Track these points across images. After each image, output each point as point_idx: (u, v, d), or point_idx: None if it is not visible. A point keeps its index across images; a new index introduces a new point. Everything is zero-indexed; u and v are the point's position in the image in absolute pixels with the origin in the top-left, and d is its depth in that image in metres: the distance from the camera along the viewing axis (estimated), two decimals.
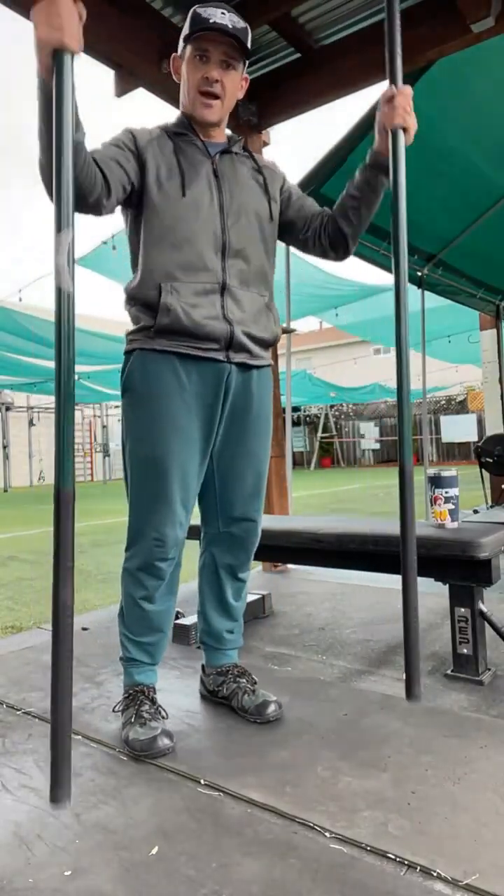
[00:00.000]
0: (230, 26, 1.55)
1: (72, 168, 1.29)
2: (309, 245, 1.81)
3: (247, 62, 1.69)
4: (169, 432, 1.58)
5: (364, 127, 3.57)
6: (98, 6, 2.87)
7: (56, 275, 1.23)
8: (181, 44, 1.64)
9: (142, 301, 1.60)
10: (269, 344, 1.74)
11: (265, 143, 3.83)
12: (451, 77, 3.38)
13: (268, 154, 4.00)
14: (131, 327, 1.66)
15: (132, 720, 1.58)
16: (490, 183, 4.40)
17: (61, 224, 1.25)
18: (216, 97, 1.62)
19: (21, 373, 12.60)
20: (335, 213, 1.74)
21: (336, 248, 1.79)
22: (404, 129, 1.64)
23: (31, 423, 18.95)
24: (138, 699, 1.63)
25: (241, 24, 1.58)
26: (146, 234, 1.60)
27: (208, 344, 1.59)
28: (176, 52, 1.69)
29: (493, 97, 3.59)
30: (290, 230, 1.81)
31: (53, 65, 1.26)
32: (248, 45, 1.62)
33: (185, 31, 1.60)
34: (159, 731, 1.53)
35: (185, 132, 1.66)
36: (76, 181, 1.38)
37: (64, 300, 1.25)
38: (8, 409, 18.18)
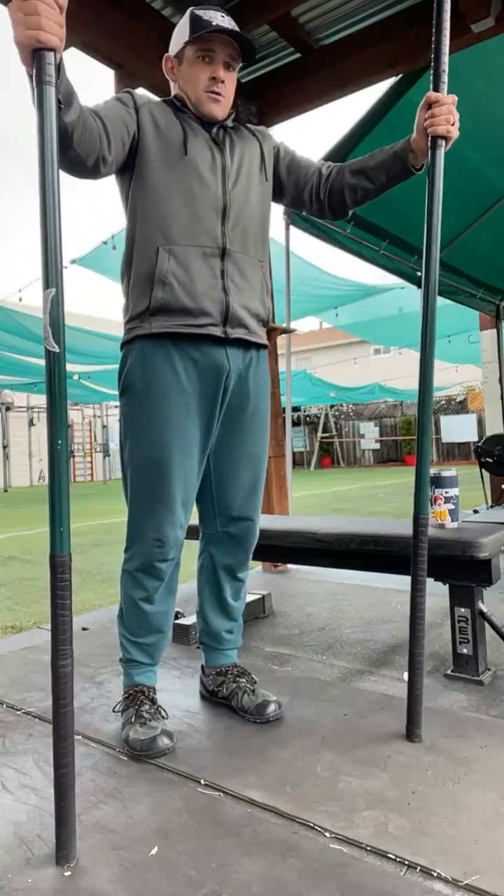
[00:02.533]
0: (231, 28, 1.57)
1: (58, 208, 1.16)
2: (305, 202, 1.76)
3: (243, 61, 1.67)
4: (169, 432, 1.57)
5: (367, 125, 3.58)
6: (99, 6, 2.87)
7: (43, 335, 1.15)
8: (179, 45, 1.63)
9: (136, 270, 1.57)
10: (264, 320, 1.71)
11: None
12: (451, 77, 3.35)
13: None
14: (126, 316, 1.63)
15: (132, 720, 1.58)
16: (490, 183, 4.40)
17: (49, 281, 1.15)
18: (223, 95, 1.62)
19: (21, 373, 12.59)
20: (345, 176, 1.68)
21: (334, 208, 1.74)
22: (445, 139, 1.53)
23: (31, 423, 18.95)
24: (138, 699, 1.63)
25: (236, 27, 1.60)
26: (142, 195, 1.58)
27: (204, 319, 1.57)
28: (168, 52, 1.68)
29: (493, 97, 3.59)
30: (283, 186, 1.76)
31: (33, 63, 1.16)
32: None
33: (187, 32, 1.59)
34: (159, 730, 1.53)
35: (183, 109, 1.64)
36: (75, 150, 1.38)
37: (53, 361, 1.15)
38: (8, 409, 18.18)
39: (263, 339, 1.73)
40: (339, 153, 3.66)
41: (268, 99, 3.64)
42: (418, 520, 1.55)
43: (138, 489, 1.63)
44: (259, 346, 1.71)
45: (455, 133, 1.53)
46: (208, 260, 1.57)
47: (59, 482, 1.16)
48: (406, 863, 1.10)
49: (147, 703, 1.62)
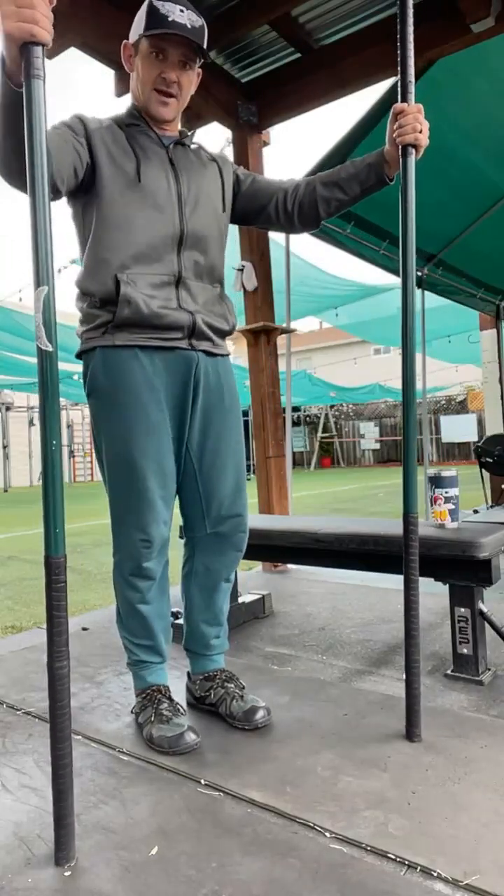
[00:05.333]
0: (189, 26, 1.51)
1: (48, 206, 1.13)
2: (273, 218, 1.76)
3: (202, 58, 1.62)
4: (141, 430, 1.56)
5: (366, 126, 3.57)
6: (99, 6, 2.87)
7: (36, 334, 1.13)
8: (136, 35, 1.56)
9: (98, 295, 1.55)
10: (227, 334, 1.73)
11: (265, 143, 3.83)
12: (451, 77, 3.38)
13: (268, 154, 4.00)
14: (84, 327, 1.60)
15: (152, 719, 1.58)
16: (490, 183, 4.39)
17: (40, 279, 1.12)
18: (173, 96, 1.59)
19: (21, 373, 12.59)
20: (316, 188, 1.68)
21: (305, 221, 1.74)
22: (415, 147, 1.55)
23: (31, 423, 18.94)
24: (155, 698, 1.63)
25: (198, 21, 1.54)
26: (99, 223, 1.55)
27: (171, 333, 1.58)
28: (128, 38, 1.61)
29: (493, 97, 3.59)
30: (250, 208, 1.76)
31: (21, 57, 1.12)
32: (205, 44, 1.57)
33: (142, 24, 1.52)
34: (185, 727, 1.54)
35: (137, 123, 1.62)
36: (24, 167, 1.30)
37: (45, 360, 1.13)
38: (8, 409, 18.18)
39: (227, 351, 1.75)
40: (339, 154, 3.66)
41: (267, 99, 3.64)
42: (408, 518, 1.55)
43: (117, 490, 1.61)
44: (224, 356, 1.74)
45: (424, 141, 1.56)
46: (164, 288, 1.57)
47: (54, 483, 1.16)
48: (406, 863, 1.10)
49: (165, 702, 1.62)
